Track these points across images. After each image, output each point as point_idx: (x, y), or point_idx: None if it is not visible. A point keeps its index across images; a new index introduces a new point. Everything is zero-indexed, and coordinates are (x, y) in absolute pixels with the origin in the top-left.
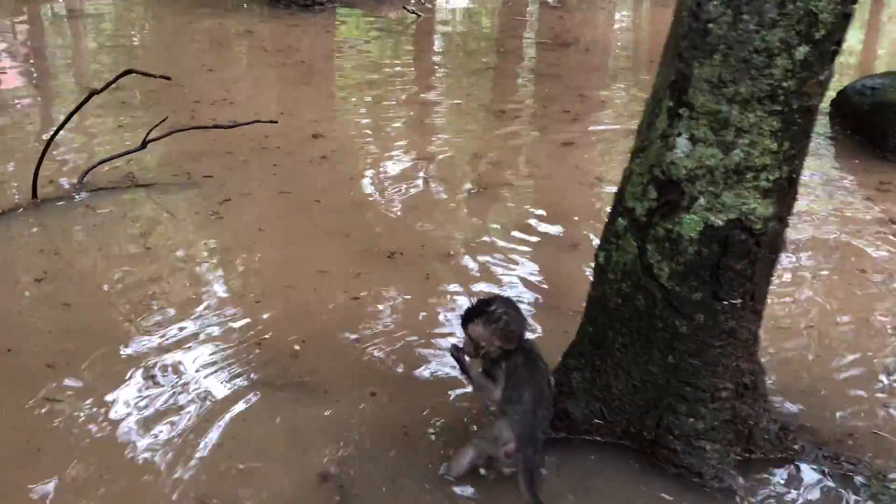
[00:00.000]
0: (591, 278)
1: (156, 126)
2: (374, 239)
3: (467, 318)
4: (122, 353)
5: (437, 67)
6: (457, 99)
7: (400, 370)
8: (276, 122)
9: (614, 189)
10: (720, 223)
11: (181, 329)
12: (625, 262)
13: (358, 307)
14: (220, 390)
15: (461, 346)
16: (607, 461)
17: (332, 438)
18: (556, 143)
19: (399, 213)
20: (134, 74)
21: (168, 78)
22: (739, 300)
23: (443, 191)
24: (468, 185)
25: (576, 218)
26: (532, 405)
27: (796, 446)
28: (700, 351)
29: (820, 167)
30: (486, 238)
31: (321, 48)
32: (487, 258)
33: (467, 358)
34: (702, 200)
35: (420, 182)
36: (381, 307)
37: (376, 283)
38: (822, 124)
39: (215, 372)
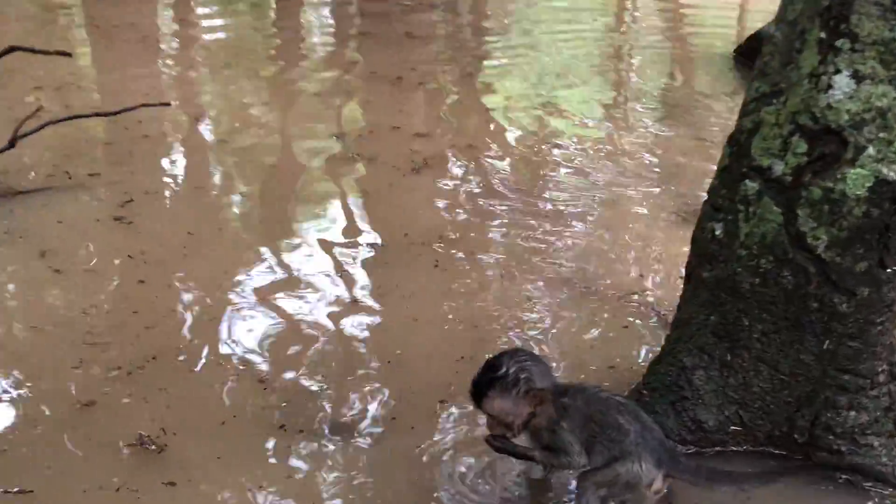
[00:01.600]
0: (694, 257)
1: (27, 118)
2: (339, 229)
3: (478, 395)
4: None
5: (303, 34)
6: (342, 66)
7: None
8: (169, 105)
9: None
10: (894, 176)
11: (162, 391)
12: (763, 234)
13: (359, 312)
14: (253, 455)
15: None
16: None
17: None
18: (482, 109)
19: (348, 196)
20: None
21: (68, 54)
22: None
23: (382, 168)
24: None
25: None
26: (639, 425)
27: None
28: (862, 331)
29: None
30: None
31: (162, 21)
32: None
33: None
34: (871, 150)
35: (351, 159)
36: (392, 309)
37: (377, 282)
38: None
39: (231, 435)
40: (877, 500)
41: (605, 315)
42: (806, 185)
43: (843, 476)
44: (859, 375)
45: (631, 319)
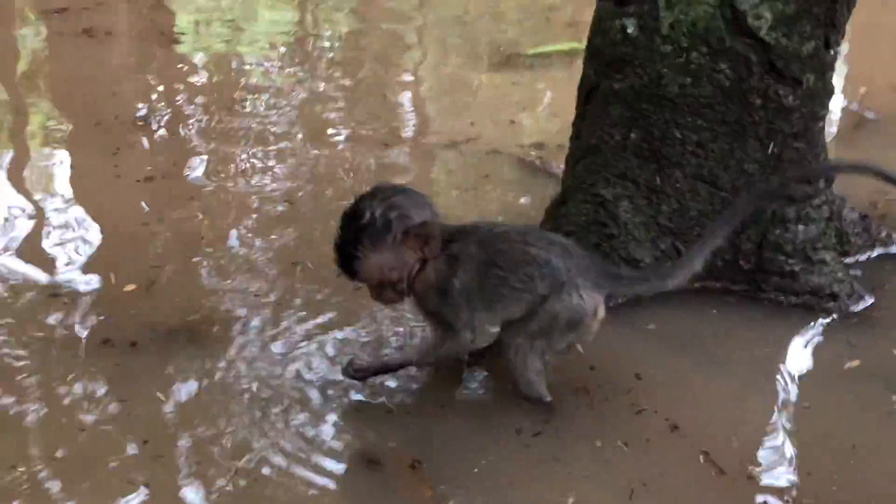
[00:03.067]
0: (595, 69)
1: None
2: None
3: (347, 260)
4: None
5: None
6: None
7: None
8: None
9: None
10: None
11: None
12: (693, 21)
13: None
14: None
15: (355, 360)
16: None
17: None
18: None
19: (88, 77)
20: None
21: None
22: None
23: (127, 42)
24: None
25: None
26: (557, 247)
27: (883, 234)
28: (807, 128)
29: None
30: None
31: None
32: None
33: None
34: None
35: (84, 34)
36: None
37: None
38: None
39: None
40: (828, 320)
41: (456, 166)
42: None
43: (794, 300)
44: (804, 181)
45: (484, 165)
